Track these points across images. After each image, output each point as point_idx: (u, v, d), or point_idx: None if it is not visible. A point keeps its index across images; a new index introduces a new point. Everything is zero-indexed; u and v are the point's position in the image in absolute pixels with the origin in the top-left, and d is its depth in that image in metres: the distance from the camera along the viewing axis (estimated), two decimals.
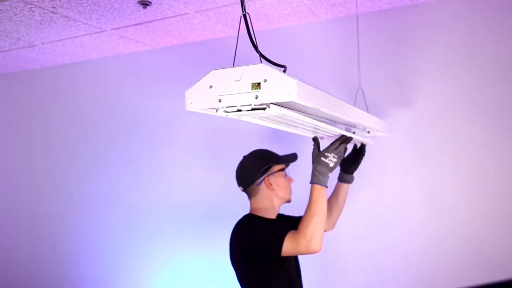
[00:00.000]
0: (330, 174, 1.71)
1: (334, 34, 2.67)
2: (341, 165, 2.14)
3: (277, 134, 2.67)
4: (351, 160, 2.13)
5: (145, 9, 2.41)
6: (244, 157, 2.01)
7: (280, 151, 2.08)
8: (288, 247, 1.67)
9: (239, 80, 1.11)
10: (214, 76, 1.15)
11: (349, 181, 2.15)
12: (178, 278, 3.09)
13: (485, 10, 2.36)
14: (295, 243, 1.66)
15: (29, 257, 3.64)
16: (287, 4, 2.44)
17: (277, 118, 1.27)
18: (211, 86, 1.14)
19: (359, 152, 2.14)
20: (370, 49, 2.56)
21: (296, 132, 1.70)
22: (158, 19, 2.59)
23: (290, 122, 1.41)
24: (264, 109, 1.13)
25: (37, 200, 3.61)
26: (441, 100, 2.43)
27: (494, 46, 2.34)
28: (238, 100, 1.12)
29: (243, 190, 1.97)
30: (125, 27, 2.69)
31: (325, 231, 2.18)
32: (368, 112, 2.15)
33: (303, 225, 1.65)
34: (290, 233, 1.70)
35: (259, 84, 1.09)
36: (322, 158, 1.65)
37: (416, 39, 2.49)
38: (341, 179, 2.16)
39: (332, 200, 2.16)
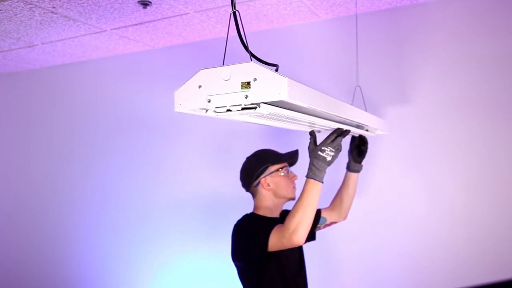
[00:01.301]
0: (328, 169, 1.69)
1: (334, 34, 2.66)
2: (350, 155, 2.20)
3: (280, 131, 2.65)
4: (358, 151, 2.18)
5: (145, 9, 2.41)
6: (246, 158, 2.03)
7: (286, 148, 2.09)
8: (273, 240, 1.68)
9: (228, 80, 1.07)
10: (203, 76, 1.11)
11: (358, 170, 2.19)
12: (178, 278, 3.09)
13: (485, 10, 2.35)
14: (279, 235, 1.66)
15: (29, 257, 3.65)
16: (287, 4, 2.44)
17: (269, 116, 1.25)
18: (200, 86, 1.11)
19: (362, 142, 2.18)
20: (369, 48, 2.55)
21: (291, 128, 1.68)
22: (158, 19, 2.59)
23: (283, 119, 1.38)
24: (254, 108, 1.10)
25: (37, 200, 3.62)
26: (440, 99, 2.42)
27: (494, 46, 2.32)
28: (228, 100, 1.08)
29: (246, 191, 2.01)
30: (125, 27, 2.69)
31: (336, 222, 2.23)
32: (366, 110, 2.13)
33: (288, 218, 1.64)
34: (276, 226, 1.71)
35: (248, 83, 1.05)
36: (319, 152, 1.63)
37: (415, 39, 2.47)
38: (349, 168, 2.20)
39: (342, 190, 2.22)
